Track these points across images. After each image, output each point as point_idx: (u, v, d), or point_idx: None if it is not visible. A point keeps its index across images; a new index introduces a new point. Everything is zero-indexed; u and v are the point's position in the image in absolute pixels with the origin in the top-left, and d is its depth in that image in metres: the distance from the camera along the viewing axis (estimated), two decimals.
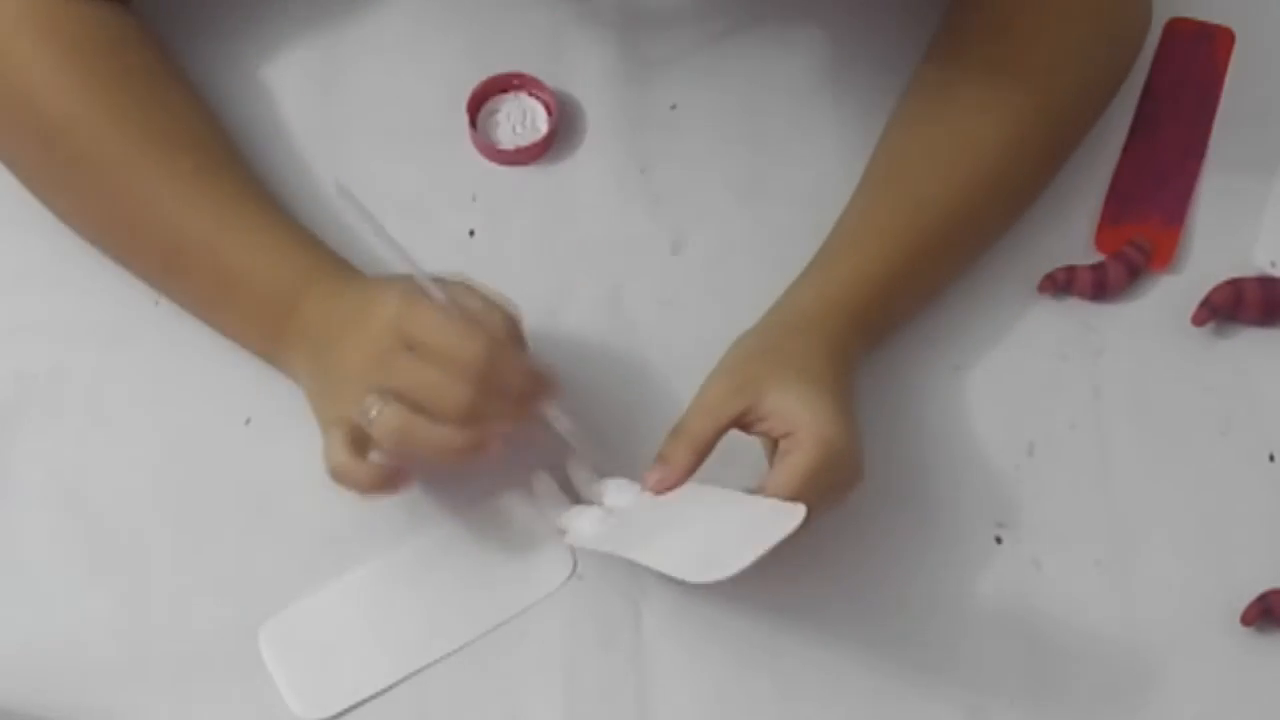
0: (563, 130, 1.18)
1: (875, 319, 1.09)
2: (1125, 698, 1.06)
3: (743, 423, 1.04)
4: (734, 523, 1.00)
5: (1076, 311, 1.15)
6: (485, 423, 0.99)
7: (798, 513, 0.96)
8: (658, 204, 1.17)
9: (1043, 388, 1.13)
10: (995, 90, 1.11)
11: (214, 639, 1.06)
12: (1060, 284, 1.15)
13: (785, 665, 1.06)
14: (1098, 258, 1.16)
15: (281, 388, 1.10)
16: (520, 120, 1.18)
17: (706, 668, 1.06)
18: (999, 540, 1.09)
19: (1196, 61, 1.22)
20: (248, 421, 1.11)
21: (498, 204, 1.17)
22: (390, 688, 1.05)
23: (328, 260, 1.08)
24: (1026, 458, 1.11)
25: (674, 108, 1.19)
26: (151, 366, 1.12)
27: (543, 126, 1.18)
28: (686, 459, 1.03)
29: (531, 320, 1.05)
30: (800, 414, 1.02)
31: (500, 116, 1.18)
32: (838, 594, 1.08)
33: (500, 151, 1.17)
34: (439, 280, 1.01)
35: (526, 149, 1.17)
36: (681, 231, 1.16)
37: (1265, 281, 1.15)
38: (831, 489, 1.02)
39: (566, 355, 1.10)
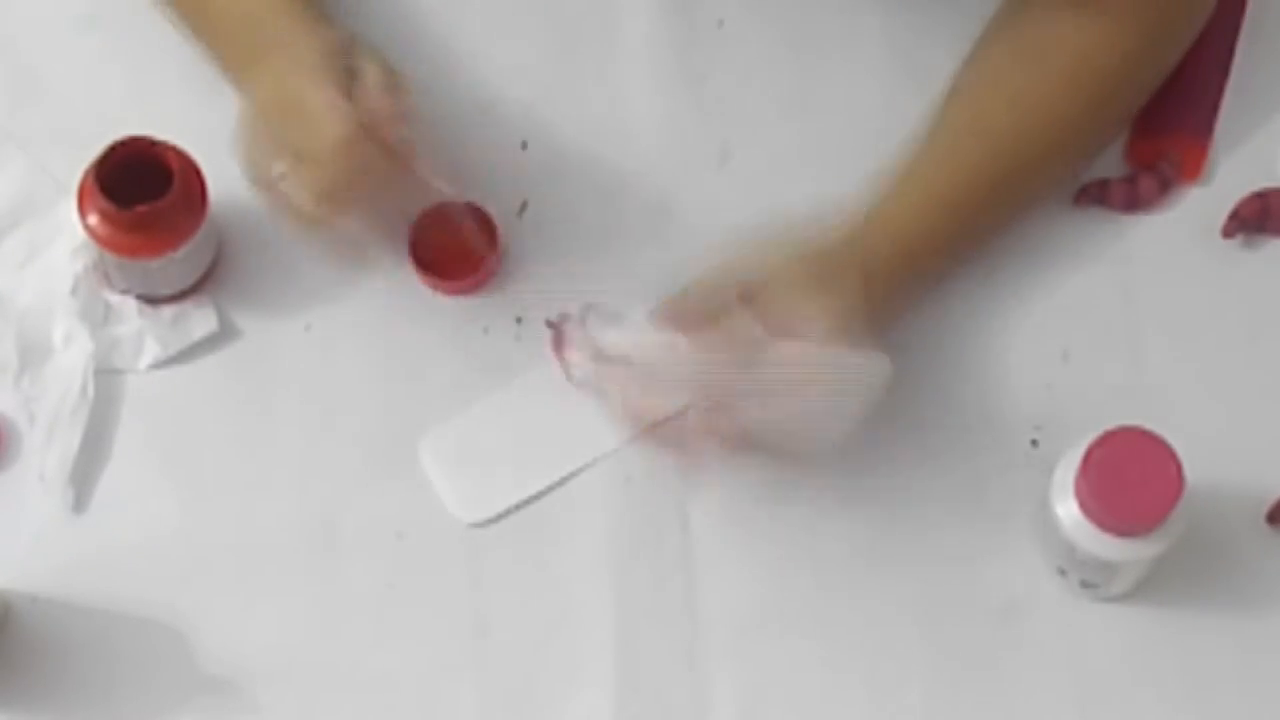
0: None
1: (926, 258, 1.09)
2: (1155, 592, 1.08)
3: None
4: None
5: (1108, 223, 1.15)
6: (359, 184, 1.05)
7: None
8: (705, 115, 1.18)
9: (1076, 296, 1.14)
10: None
11: (277, 535, 1.09)
12: (1094, 196, 1.15)
13: (826, 563, 1.08)
14: (1129, 171, 1.16)
15: (342, 292, 1.13)
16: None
17: (751, 566, 1.08)
18: (1035, 443, 1.11)
19: None
20: (307, 328, 1.13)
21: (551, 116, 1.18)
22: (543, 492, 1.10)
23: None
24: (1061, 363, 1.13)
25: (721, 24, 1.20)
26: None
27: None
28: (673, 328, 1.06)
29: (581, 228, 1.11)
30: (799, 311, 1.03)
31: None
32: (876, 495, 1.10)
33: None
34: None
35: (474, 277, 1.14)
36: (728, 142, 1.17)
37: None
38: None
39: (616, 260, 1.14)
